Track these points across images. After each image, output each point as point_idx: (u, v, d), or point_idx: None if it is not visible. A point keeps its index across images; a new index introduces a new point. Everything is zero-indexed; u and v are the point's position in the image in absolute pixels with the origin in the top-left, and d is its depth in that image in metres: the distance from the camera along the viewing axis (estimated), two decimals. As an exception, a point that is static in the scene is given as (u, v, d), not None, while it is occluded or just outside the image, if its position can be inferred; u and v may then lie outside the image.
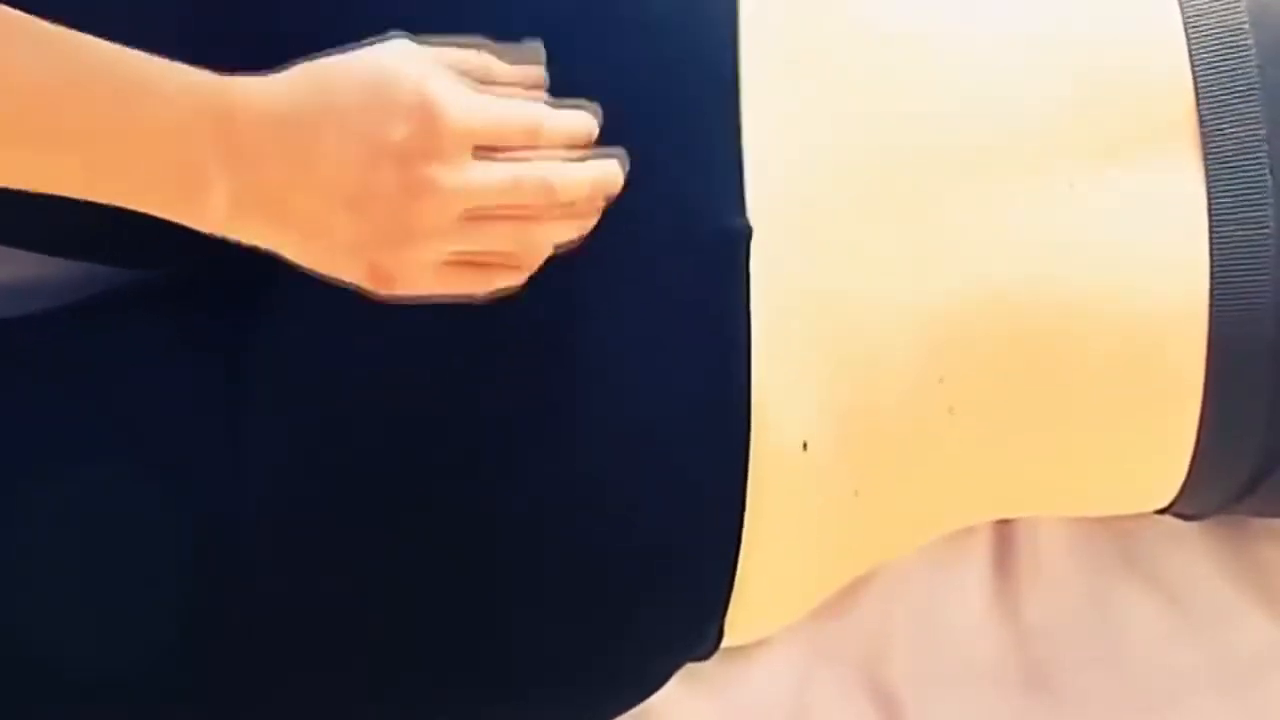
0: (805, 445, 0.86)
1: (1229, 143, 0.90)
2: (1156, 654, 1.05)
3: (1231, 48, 0.91)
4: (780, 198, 0.86)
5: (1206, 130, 0.90)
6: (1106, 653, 1.05)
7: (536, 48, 0.81)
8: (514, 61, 0.80)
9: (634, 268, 0.83)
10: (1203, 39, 0.91)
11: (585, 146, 0.80)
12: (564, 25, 0.82)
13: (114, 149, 0.73)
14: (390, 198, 0.74)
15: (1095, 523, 1.06)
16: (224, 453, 0.83)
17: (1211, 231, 0.90)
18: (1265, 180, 0.90)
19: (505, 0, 0.83)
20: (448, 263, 0.77)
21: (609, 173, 0.80)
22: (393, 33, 0.76)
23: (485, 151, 0.76)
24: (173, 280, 0.91)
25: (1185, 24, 0.92)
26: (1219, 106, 0.91)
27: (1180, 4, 0.93)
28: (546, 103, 0.79)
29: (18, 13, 0.72)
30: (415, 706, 0.87)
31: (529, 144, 0.78)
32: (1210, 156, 0.90)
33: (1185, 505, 0.97)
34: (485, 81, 0.77)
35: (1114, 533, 1.06)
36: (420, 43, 0.76)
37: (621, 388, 0.83)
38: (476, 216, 0.76)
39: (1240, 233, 0.90)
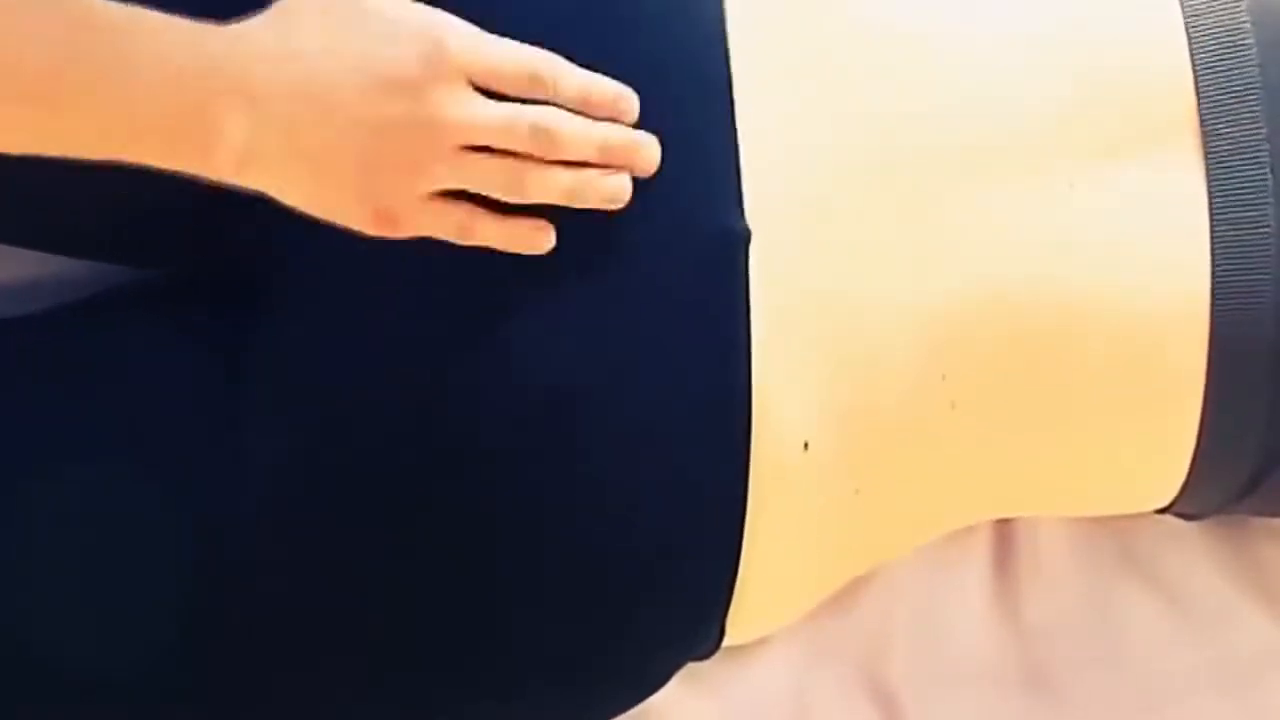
0: (806, 445, 0.86)
1: (1229, 142, 0.90)
2: (1156, 654, 1.05)
3: (1231, 47, 0.91)
4: (780, 198, 0.86)
5: (1207, 130, 0.90)
6: (1106, 653, 1.05)
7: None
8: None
9: (633, 269, 0.83)
10: (1203, 38, 0.91)
11: (610, 114, 0.80)
12: (555, 24, 0.82)
13: (122, 103, 0.74)
14: (397, 128, 0.76)
15: (1095, 523, 1.06)
16: (224, 453, 0.83)
17: (1212, 231, 0.90)
18: (1265, 180, 0.90)
19: None
20: (440, 196, 0.78)
21: (626, 139, 0.80)
22: None
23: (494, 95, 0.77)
24: (173, 280, 0.91)
25: (1185, 23, 0.92)
26: (1219, 106, 0.91)
27: (1180, 3, 0.93)
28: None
29: None
30: (415, 706, 0.87)
31: (535, 87, 0.78)
32: (1210, 156, 0.90)
33: (1185, 505, 0.97)
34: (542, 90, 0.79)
35: (1114, 533, 1.06)
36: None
37: (622, 388, 0.83)
38: (474, 150, 0.77)
39: (1240, 232, 0.90)
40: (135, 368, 0.85)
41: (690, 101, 0.84)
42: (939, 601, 1.05)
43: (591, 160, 0.80)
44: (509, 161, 0.78)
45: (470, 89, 0.77)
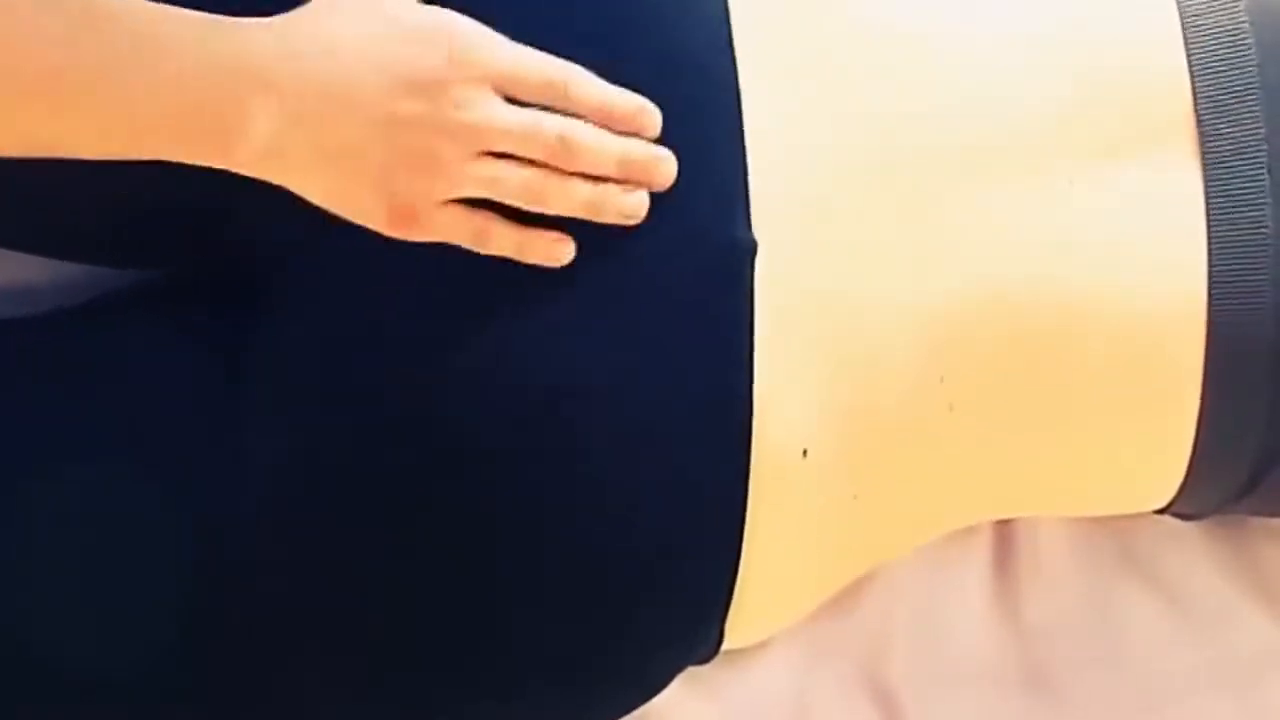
0: (805, 452, 0.86)
1: (1227, 142, 0.90)
2: (1156, 654, 1.05)
3: (1230, 47, 0.91)
4: (780, 198, 0.86)
5: (1205, 130, 0.90)
6: (1106, 653, 1.05)
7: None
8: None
9: (637, 272, 0.83)
10: (1201, 39, 0.91)
11: (632, 129, 0.80)
12: (565, 27, 0.82)
13: (150, 100, 0.75)
14: (417, 125, 0.76)
15: (1095, 523, 1.06)
16: (224, 452, 0.83)
17: (1210, 231, 0.90)
18: (1263, 180, 0.90)
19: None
20: (460, 204, 0.78)
21: (646, 155, 0.81)
22: None
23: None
24: (173, 280, 0.91)
25: (1184, 24, 0.92)
26: (1217, 106, 0.91)
27: (1179, 4, 0.93)
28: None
29: None
30: (415, 706, 0.87)
31: (556, 95, 0.79)
32: (1209, 156, 0.90)
33: (1184, 505, 0.97)
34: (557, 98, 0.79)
35: (1114, 533, 1.06)
36: None
37: (622, 389, 0.83)
38: (494, 157, 0.78)
39: (1238, 232, 0.90)
40: (135, 368, 0.85)
41: (699, 107, 0.84)
42: (939, 601, 1.05)
43: (610, 175, 0.80)
44: (529, 170, 0.79)
45: (492, 94, 0.78)
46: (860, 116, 0.88)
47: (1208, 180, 0.90)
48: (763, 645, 1.02)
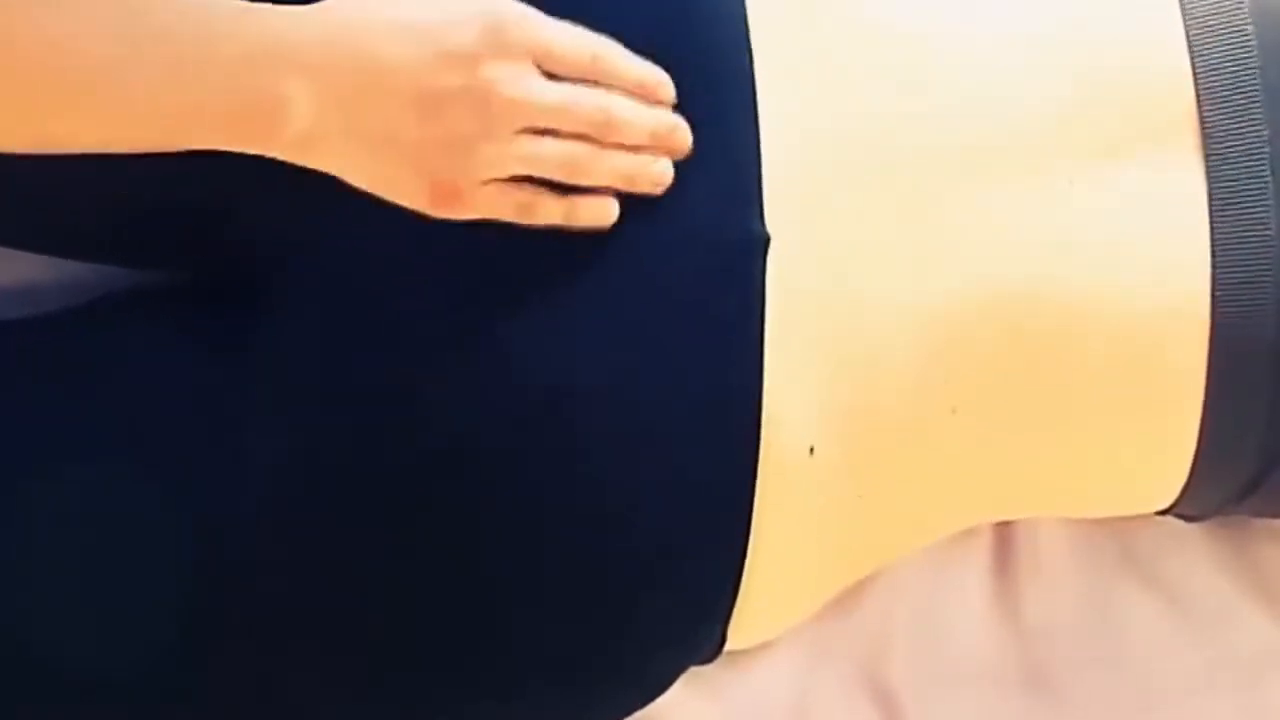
0: (812, 450, 0.86)
1: (1230, 142, 0.90)
2: (1156, 654, 1.05)
3: (1233, 46, 0.91)
4: (781, 197, 0.86)
5: (1207, 130, 0.90)
6: (1106, 653, 1.05)
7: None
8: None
9: (643, 271, 0.83)
10: (1204, 38, 0.91)
11: (656, 98, 0.82)
12: (594, 13, 0.82)
13: (190, 91, 0.75)
14: (457, 101, 0.77)
15: (1095, 523, 1.06)
16: (224, 453, 0.83)
17: (1212, 231, 0.90)
18: (1266, 180, 0.90)
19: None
20: (502, 182, 0.78)
21: (671, 124, 0.82)
22: None
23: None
24: (173, 280, 0.91)
25: (1186, 23, 0.92)
26: (1220, 106, 0.91)
27: (1181, 4, 0.92)
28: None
29: None
30: (415, 707, 0.87)
31: (592, 68, 0.80)
32: (1211, 156, 0.90)
33: (1186, 506, 0.97)
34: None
35: (1114, 533, 1.06)
36: None
37: (623, 389, 0.83)
38: (533, 133, 0.78)
39: (1241, 232, 0.90)
40: (135, 368, 0.85)
41: (717, 100, 0.85)
42: (939, 601, 1.05)
43: (643, 145, 0.81)
44: (569, 143, 0.79)
45: (532, 68, 0.78)
46: (860, 116, 0.88)
47: (1210, 180, 0.90)
48: (764, 646, 1.02)
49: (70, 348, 0.87)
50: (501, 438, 0.82)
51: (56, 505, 0.83)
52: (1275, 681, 1.05)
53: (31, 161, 0.80)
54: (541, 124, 0.79)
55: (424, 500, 0.83)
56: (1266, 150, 0.90)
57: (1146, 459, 0.94)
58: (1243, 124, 0.90)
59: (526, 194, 0.80)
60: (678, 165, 0.83)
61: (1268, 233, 0.90)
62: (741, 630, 0.89)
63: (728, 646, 0.91)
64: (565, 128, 0.79)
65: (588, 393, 0.82)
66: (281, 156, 0.77)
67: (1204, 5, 0.92)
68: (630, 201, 0.82)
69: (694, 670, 0.93)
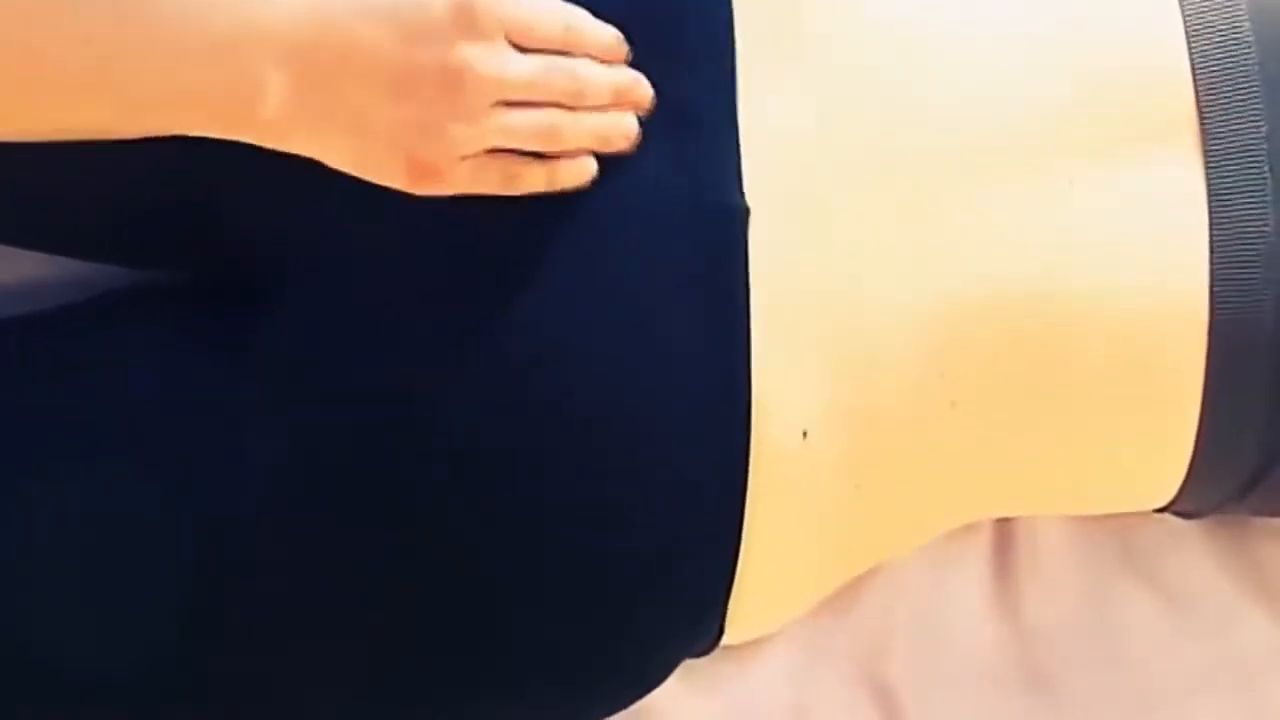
0: (805, 434, 0.86)
1: (1229, 140, 0.90)
2: (1156, 654, 1.05)
3: (1231, 46, 0.91)
4: (781, 197, 0.86)
5: (1206, 128, 0.90)
6: (1106, 653, 1.05)
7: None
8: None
9: (632, 258, 0.83)
10: (1202, 37, 0.91)
11: (616, 58, 0.82)
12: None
13: (169, 77, 0.75)
14: (430, 79, 0.77)
15: (1095, 523, 1.06)
16: (224, 453, 0.83)
17: (1211, 230, 0.90)
18: (1265, 178, 0.90)
19: None
20: (480, 155, 0.79)
21: (632, 80, 0.82)
22: None
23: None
24: (173, 280, 0.91)
25: (1185, 23, 0.92)
26: (1219, 104, 0.91)
27: (1180, 3, 0.92)
28: None
29: None
30: (415, 707, 0.87)
31: (564, 39, 0.80)
32: (1210, 154, 0.90)
33: (1185, 503, 0.97)
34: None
35: (1114, 533, 1.06)
36: None
37: (622, 388, 0.83)
38: (509, 106, 0.78)
39: (1240, 231, 0.90)
40: (135, 367, 0.85)
41: (695, 75, 0.85)
42: (939, 601, 1.05)
43: (608, 105, 0.82)
44: (544, 112, 0.80)
45: (504, 44, 0.78)
46: (860, 116, 0.88)
47: (1209, 179, 0.90)
48: (762, 644, 1.02)
49: (70, 347, 0.87)
50: (501, 437, 0.82)
51: (56, 505, 0.83)
52: (1275, 681, 1.05)
53: (32, 161, 0.80)
54: (516, 97, 0.79)
55: (424, 500, 0.83)
56: (1264, 147, 0.90)
57: (1145, 457, 0.94)
58: (1241, 121, 0.90)
59: (507, 164, 0.80)
60: (660, 138, 0.83)
61: (1266, 229, 0.90)
62: (739, 622, 0.89)
63: (726, 639, 0.91)
64: (541, 98, 0.80)
65: (588, 391, 0.82)
66: (257, 140, 0.77)
67: (1202, 4, 0.92)
68: (611, 187, 0.82)
69: (692, 668, 0.93)
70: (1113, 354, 0.90)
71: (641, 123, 0.83)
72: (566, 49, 0.81)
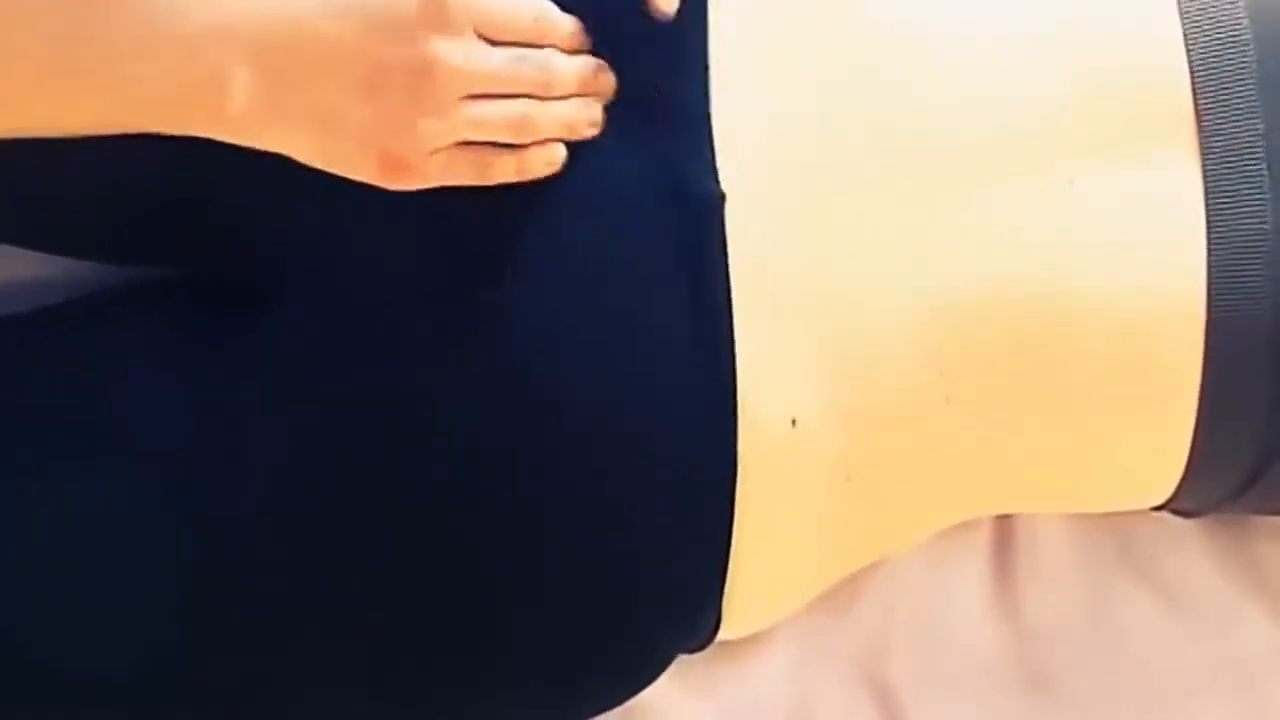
0: (794, 421, 0.86)
1: (1226, 138, 0.90)
2: (1156, 654, 1.05)
3: (1229, 44, 0.91)
4: (780, 196, 0.86)
5: (1204, 127, 0.90)
6: (1106, 653, 1.05)
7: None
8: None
9: (610, 239, 0.83)
10: (1200, 36, 0.91)
11: (577, 46, 0.83)
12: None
13: (136, 74, 0.75)
14: (399, 74, 0.76)
15: (1095, 523, 1.06)
16: (224, 453, 0.83)
17: (1209, 229, 0.90)
18: (1263, 176, 0.90)
19: None
20: (451, 148, 0.78)
21: (595, 67, 0.83)
22: None
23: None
24: (172, 279, 0.91)
25: (1183, 22, 0.92)
26: (1217, 103, 0.91)
27: (1179, 3, 0.92)
28: None
29: None
30: (415, 706, 0.87)
31: (533, 31, 0.80)
32: (1208, 153, 0.90)
33: (1183, 502, 0.97)
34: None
35: (1114, 532, 1.06)
36: None
37: (609, 371, 0.83)
38: (479, 99, 0.78)
39: (1238, 229, 0.90)
40: (135, 367, 0.85)
41: (664, 64, 0.85)
42: (939, 601, 1.05)
43: (573, 93, 0.82)
44: (512, 103, 0.80)
45: (474, 37, 0.78)
46: (859, 116, 0.88)
47: (1207, 178, 0.90)
48: (762, 644, 1.02)
49: (70, 346, 0.87)
50: (501, 437, 0.82)
51: (56, 505, 0.83)
52: (1275, 681, 1.05)
53: (31, 160, 0.80)
54: (485, 89, 0.79)
55: (424, 500, 0.83)
56: (1262, 145, 0.90)
57: (1143, 455, 0.94)
58: (1238, 120, 0.90)
59: (478, 155, 0.80)
60: (627, 132, 0.83)
61: (1264, 228, 0.90)
62: (735, 616, 0.89)
63: (723, 634, 0.91)
64: (508, 89, 0.80)
65: (588, 391, 0.83)
66: (226, 137, 0.77)
67: (1200, 3, 0.92)
68: (587, 175, 0.83)
69: (691, 668, 0.93)
70: (1111, 353, 0.90)
71: (612, 111, 0.84)
72: (535, 40, 0.81)
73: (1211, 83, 0.91)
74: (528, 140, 0.81)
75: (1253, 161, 0.90)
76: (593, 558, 0.84)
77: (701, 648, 0.93)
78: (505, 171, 0.81)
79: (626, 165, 0.84)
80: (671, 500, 0.84)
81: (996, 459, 0.92)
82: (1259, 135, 0.90)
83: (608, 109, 0.84)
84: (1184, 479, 0.94)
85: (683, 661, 0.93)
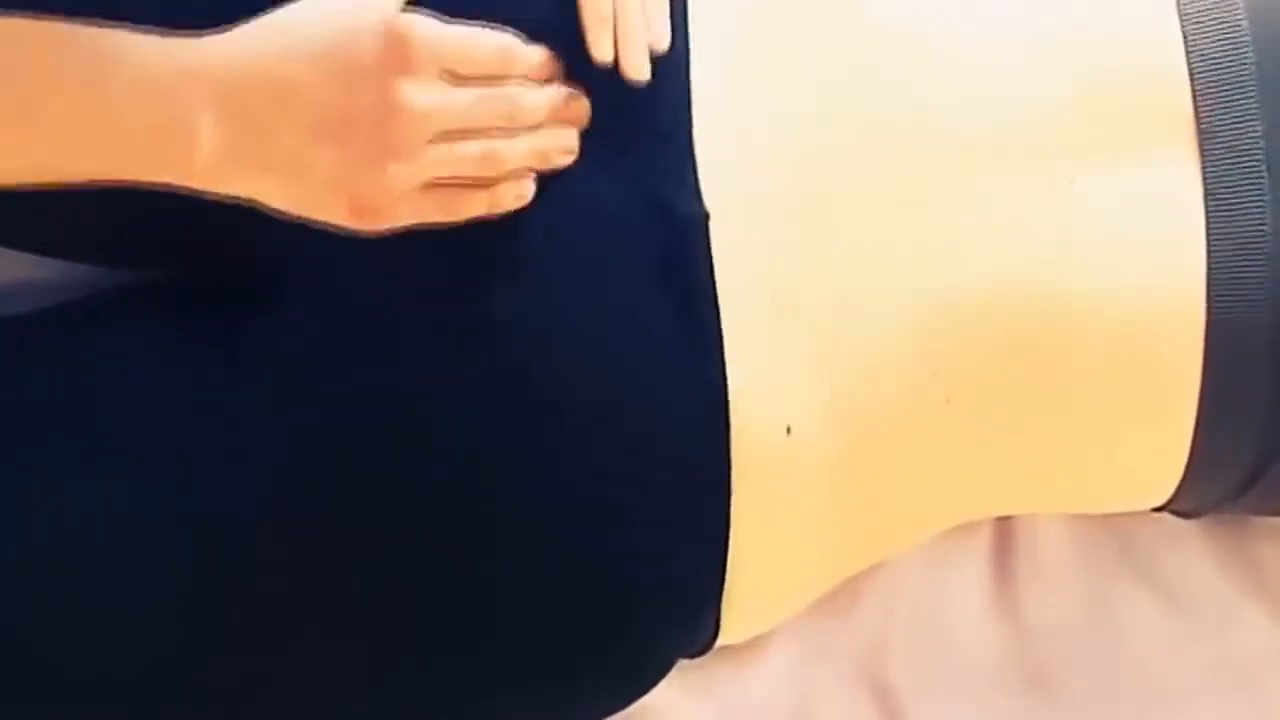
0: (789, 430, 0.86)
1: (1225, 139, 0.90)
2: (1156, 654, 1.05)
3: (1229, 44, 0.91)
4: (780, 196, 0.86)
5: (1204, 127, 0.91)
6: (1106, 653, 1.05)
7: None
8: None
9: (600, 249, 0.83)
10: (1200, 36, 0.91)
11: (545, 76, 0.82)
12: (513, 17, 0.82)
13: (103, 125, 0.75)
14: (367, 119, 0.76)
15: (1095, 522, 1.06)
16: (224, 453, 0.83)
17: (1208, 229, 0.90)
18: (1261, 176, 0.90)
19: None
20: (421, 188, 0.78)
21: (565, 96, 0.82)
22: None
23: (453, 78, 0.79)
24: (173, 280, 0.91)
25: (1183, 21, 0.92)
26: (1216, 104, 0.91)
27: (1178, 3, 0.93)
28: None
29: None
30: (415, 706, 0.87)
31: (498, 67, 0.80)
32: (1207, 154, 0.90)
33: (1182, 502, 0.97)
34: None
35: (1114, 532, 1.06)
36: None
37: (620, 388, 0.83)
38: (446, 138, 0.78)
39: (1237, 229, 0.90)
40: (135, 367, 0.85)
41: (654, 92, 0.85)
42: (939, 601, 1.05)
43: (545, 122, 0.82)
44: (479, 140, 0.80)
45: (437, 78, 0.78)
46: (860, 116, 0.88)
47: (1206, 178, 0.90)
48: (761, 645, 1.02)
49: (70, 347, 0.87)
50: (501, 437, 0.82)
51: (56, 505, 0.83)
52: (1275, 681, 1.05)
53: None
54: (452, 126, 0.79)
55: (424, 500, 0.83)
56: (1261, 144, 0.90)
57: (1144, 456, 0.94)
58: (1237, 120, 0.90)
59: (447, 193, 0.80)
60: (621, 151, 0.83)
61: (1263, 228, 0.90)
62: (735, 619, 0.90)
63: (724, 638, 0.91)
64: (476, 125, 0.80)
65: (587, 391, 0.83)
66: (196, 185, 0.77)
67: (1200, 3, 0.92)
68: (576, 198, 0.83)
69: (691, 670, 0.93)
70: (1111, 353, 0.90)
71: (591, 137, 0.83)
72: (501, 73, 0.80)
73: (1211, 83, 0.91)
74: (497, 174, 0.81)
75: (1252, 162, 0.90)
76: (593, 558, 0.84)
77: (702, 652, 0.93)
78: (476, 207, 0.81)
79: (610, 189, 0.84)
80: (671, 500, 0.84)
81: (996, 459, 0.92)
82: (1258, 136, 0.90)
83: (585, 135, 0.83)
84: (1184, 479, 0.94)
85: (683, 662, 0.93)
